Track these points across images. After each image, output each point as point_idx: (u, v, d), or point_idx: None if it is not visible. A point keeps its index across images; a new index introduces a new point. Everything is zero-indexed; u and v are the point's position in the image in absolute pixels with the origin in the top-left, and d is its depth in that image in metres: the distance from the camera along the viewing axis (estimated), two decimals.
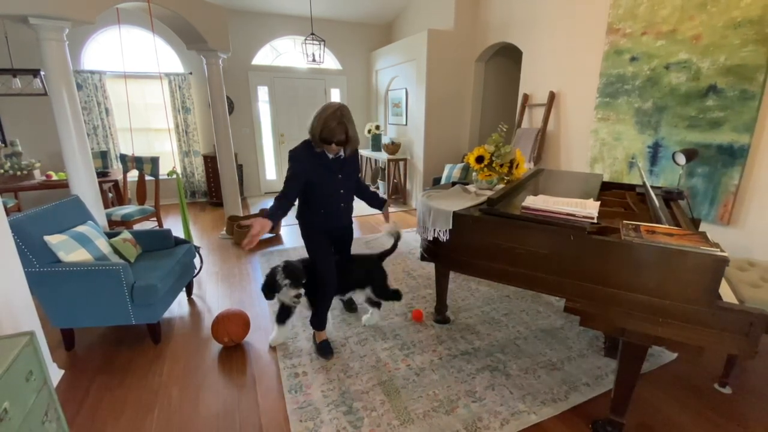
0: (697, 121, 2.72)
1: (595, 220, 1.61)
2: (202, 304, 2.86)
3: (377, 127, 6.04)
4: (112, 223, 3.60)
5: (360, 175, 2.31)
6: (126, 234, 2.63)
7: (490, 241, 1.83)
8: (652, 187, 2.33)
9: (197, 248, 2.99)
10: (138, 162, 4.05)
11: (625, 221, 1.66)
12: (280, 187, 2.05)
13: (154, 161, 3.99)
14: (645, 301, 1.46)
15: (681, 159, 2.58)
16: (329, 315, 2.33)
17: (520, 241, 1.73)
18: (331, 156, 2.02)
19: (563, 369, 2.13)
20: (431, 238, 2.09)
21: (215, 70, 3.98)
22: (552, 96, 3.90)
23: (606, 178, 3.32)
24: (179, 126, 5.68)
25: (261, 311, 2.74)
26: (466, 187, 2.46)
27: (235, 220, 4.29)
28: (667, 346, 1.47)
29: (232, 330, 2.29)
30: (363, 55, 6.61)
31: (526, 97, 4.26)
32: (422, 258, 2.44)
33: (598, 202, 1.82)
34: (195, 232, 4.52)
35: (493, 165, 2.33)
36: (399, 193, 5.93)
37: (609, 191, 2.54)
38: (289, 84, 6.26)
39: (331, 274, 2.20)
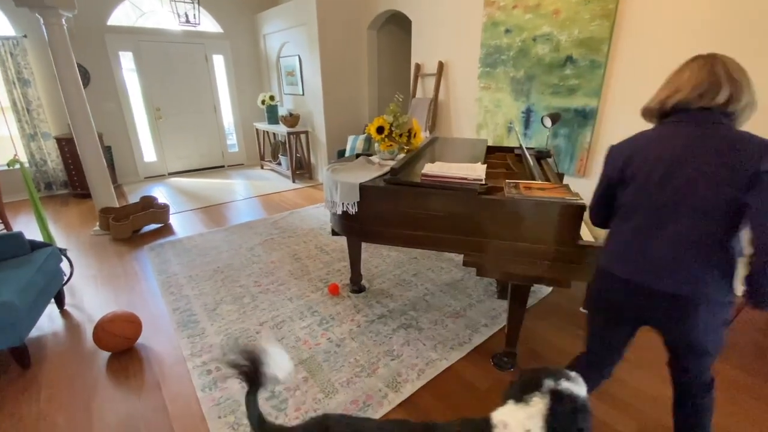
0: (559, 88, 3.14)
1: (484, 182, 1.79)
2: (80, 314, 2.46)
3: (272, 98, 5.67)
4: None
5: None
6: None
7: (395, 209, 1.90)
8: (526, 148, 2.65)
9: (63, 251, 2.52)
10: None
11: (507, 180, 1.87)
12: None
13: None
14: (526, 247, 1.70)
15: (547, 122, 2.96)
16: None
17: (423, 207, 1.84)
18: None
19: (466, 315, 2.39)
20: (340, 212, 2.09)
21: (58, 31, 3.23)
22: (441, 66, 4.09)
23: (490, 143, 3.67)
24: (17, 103, 4.54)
25: (157, 311, 2.47)
26: (370, 158, 2.48)
27: (110, 212, 3.70)
28: (545, 282, 1.74)
29: (118, 330, 2.04)
30: (247, 18, 6.02)
31: (418, 66, 4.39)
32: (333, 233, 2.45)
33: (485, 165, 2.01)
34: (58, 232, 3.79)
35: (393, 135, 2.38)
36: (303, 168, 5.74)
37: (493, 154, 2.83)
38: (160, 49, 5.41)
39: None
